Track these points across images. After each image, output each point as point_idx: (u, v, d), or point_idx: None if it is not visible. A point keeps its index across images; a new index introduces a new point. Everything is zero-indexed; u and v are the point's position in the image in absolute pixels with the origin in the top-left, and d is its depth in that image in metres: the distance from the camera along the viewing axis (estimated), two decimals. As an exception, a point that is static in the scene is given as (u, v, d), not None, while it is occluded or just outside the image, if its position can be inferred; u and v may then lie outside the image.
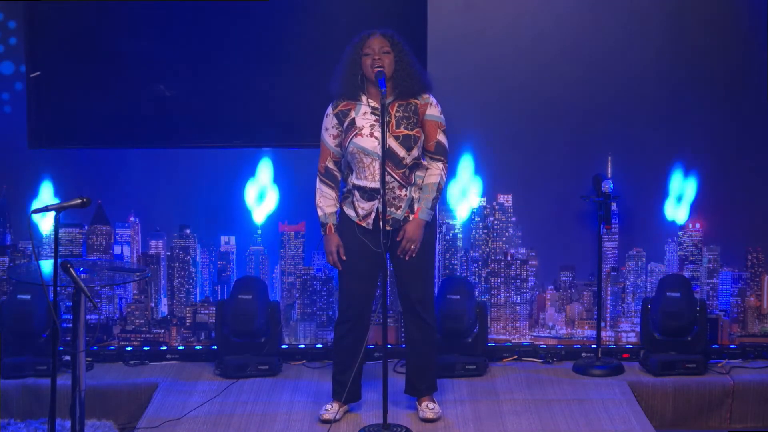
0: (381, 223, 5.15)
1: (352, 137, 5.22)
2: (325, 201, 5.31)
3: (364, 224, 5.25)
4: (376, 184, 5.20)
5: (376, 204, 5.22)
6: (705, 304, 6.20)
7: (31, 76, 6.18)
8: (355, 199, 5.27)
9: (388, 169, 5.14)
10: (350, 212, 5.29)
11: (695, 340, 6.10)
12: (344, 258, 5.30)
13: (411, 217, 5.25)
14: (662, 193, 6.39)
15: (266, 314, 6.10)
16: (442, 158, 5.28)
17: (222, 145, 6.31)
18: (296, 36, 6.19)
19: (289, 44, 6.19)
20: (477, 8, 6.32)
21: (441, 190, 5.28)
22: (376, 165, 5.19)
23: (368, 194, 5.23)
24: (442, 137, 5.28)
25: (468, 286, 6.22)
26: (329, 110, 5.32)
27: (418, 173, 5.27)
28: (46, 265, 4.87)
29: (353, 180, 5.26)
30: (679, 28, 6.32)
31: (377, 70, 5.15)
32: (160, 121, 6.24)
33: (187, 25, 6.16)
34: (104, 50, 6.17)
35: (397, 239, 5.21)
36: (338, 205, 5.34)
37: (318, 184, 5.33)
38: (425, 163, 5.29)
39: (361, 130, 5.22)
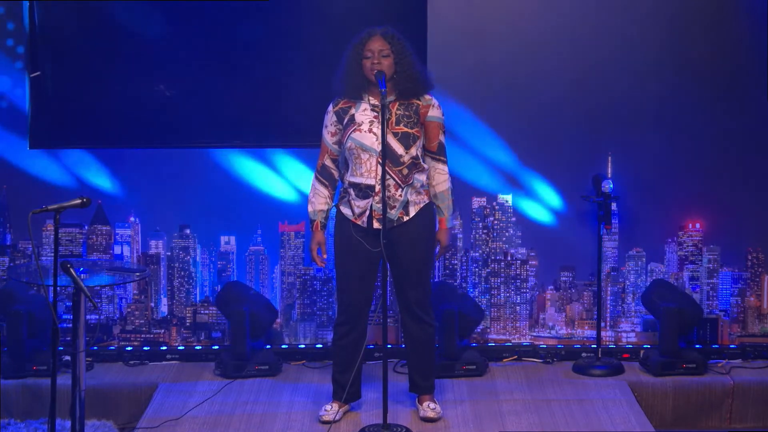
0: (382, 222, 5.14)
1: (351, 132, 5.23)
2: (317, 198, 5.33)
3: (359, 222, 5.25)
4: (371, 181, 5.20)
5: (370, 202, 5.22)
6: (681, 312, 6.10)
7: (31, 76, 6.18)
8: (350, 197, 5.27)
9: (385, 167, 5.14)
10: (346, 211, 5.29)
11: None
12: (325, 256, 5.35)
13: (404, 219, 5.23)
14: (662, 193, 6.40)
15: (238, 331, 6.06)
16: (444, 159, 5.30)
17: (222, 145, 6.31)
18: (296, 36, 6.19)
19: (289, 44, 6.19)
20: (477, 8, 6.32)
21: (452, 192, 5.35)
22: (373, 161, 5.19)
23: (363, 192, 5.23)
24: (443, 138, 5.31)
25: (438, 301, 6.03)
26: (330, 108, 5.33)
27: (416, 175, 5.26)
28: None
29: (349, 177, 5.26)
30: (680, 27, 6.32)
31: (377, 70, 5.16)
32: (159, 121, 6.25)
33: (187, 25, 6.17)
34: (104, 50, 6.18)
35: (437, 253, 5.38)
36: (330, 204, 5.34)
37: (313, 181, 5.35)
38: (426, 165, 5.29)
39: (360, 125, 5.23)
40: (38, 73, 6.18)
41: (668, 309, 6.05)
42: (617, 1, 6.32)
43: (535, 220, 6.41)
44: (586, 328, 6.40)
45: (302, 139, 6.11)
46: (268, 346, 6.17)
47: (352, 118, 5.25)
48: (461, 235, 6.42)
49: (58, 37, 6.17)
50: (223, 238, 6.41)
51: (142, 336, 6.34)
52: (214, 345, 6.28)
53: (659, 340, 6.08)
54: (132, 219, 6.38)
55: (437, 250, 5.37)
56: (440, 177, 5.30)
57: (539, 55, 6.33)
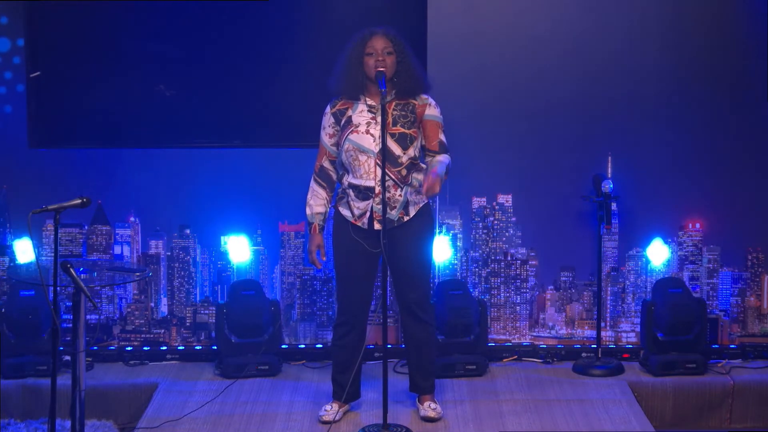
0: (381, 223, 5.14)
1: (348, 134, 5.22)
2: (316, 200, 5.32)
3: (359, 224, 5.25)
4: (371, 183, 5.19)
5: (370, 203, 5.22)
6: (704, 302, 6.21)
7: (31, 76, 6.18)
8: (350, 198, 5.27)
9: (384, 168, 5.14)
10: (345, 212, 5.29)
11: (697, 338, 6.10)
12: (324, 258, 5.34)
13: (405, 219, 5.23)
14: (662, 193, 6.41)
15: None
16: (447, 155, 5.25)
17: (222, 145, 6.31)
18: (296, 36, 6.20)
19: (288, 44, 6.19)
20: (477, 8, 6.33)
21: (449, 169, 5.17)
22: (371, 163, 5.18)
23: (363, 193, 5.23)
24: (443, 137, 5.28)
25: (466, 286, 6.25)
26: (327, 109, 5.32)
27: (414, 175, 5.26)
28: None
29: (348, 179, 5.26)
30: (679, 27, 6.33)
31: (378, 70, 5.15)
32: (160, 121, 6.24)
33: (187, 25, 6.17)
34: (104, 50, 6.18)
35: (423, 183, 5.08)
36: (328, 206, 5.34)
37: (311, 183, 5.34)
38: (425, 165, 5.28)
39: (357, 126, 5.22)
40: (38, 73, 6.17)
41: (643, 302, 6.17)
42: (617, 2, 6.32)
43: (535, 219, 6.42)
44: (586, 328, 6.40)
45: (302, 139, 6.10)
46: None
47: (350, 119, 5.25)
48: (461, 235, 6.42)
49: (58, 37, 6.16)
50: (223, 238, 6.41)
51: (142, 336, 6.34)
52: (214, 345, 6.27)
53: (701, 339, 6.14)
54: (132, 219, 6.38)
55: (427, 181, 5.04)
56: (442, 157, 5.19)
57: (539, 55, 6.33)
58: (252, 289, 6.18)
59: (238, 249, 6.34)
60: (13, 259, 6.25)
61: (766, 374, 6.05)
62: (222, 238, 6.39)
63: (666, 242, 6.40)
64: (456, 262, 6.41)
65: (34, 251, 4.65)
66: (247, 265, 6.39)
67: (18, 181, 6.29)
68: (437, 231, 6.30)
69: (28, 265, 5.96)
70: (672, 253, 6.42)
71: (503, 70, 6.34)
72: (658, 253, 6.38)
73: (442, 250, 6.34)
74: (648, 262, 6.41)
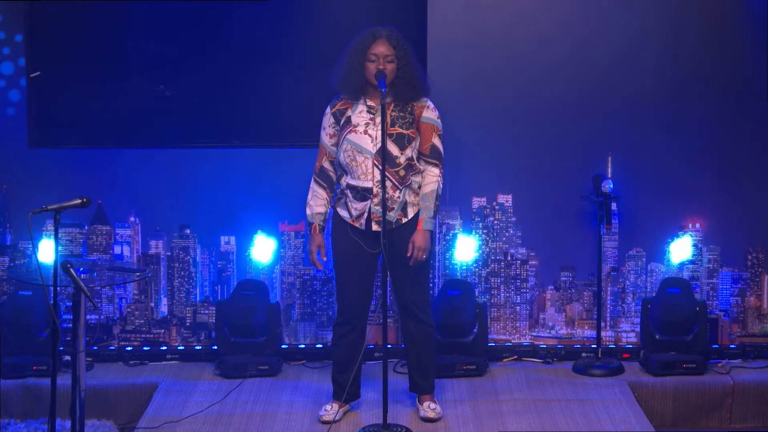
0: (381, 224, 5.13)
1: (347, 134, 5.22)
2: (316, 201, 5.32)
3: (357, 225, 5.25)
4: (368, 184, 5.19)
5: (368, 204, 5.22)
6: (705, 304, 6.21)
7: (31, 76, 6.18)
8: (348, 199, 5.27)
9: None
10: (344, 213, 5.29)
11: (695, 339, 6.11)
12: (324, 259, 5.32)
13: (403, 220, 5.25)
14: (662, 193, 6.41)
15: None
16: (437, 163, 5.27)
17: (222, 145, 6.31)
18: (296, 36, 6.20)
19: (289, 44, 6.19)
20: (477, 9, 6.32)
21: (439, 197, 5.28)
22: (369, 164, 5.18)
23: (360, 194, 5.23)
24: (437, 141, 5.26)
25: (468, 286, 6.23)
26: (327, 110, 5.33)
27: (413, 177, 5.26)
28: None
29: (347, 180, 5.26)
30: (680, 28, 6.33)
31: (377, 71, 5.14)
32: (160, 121, 6.24)
33: (187, 25, 6.17)
34: (104, 50, 6.18)
35: (408, 255, 5.20)
36: (328, 206, 5.34)
37: (311, 183, 5.34)
38: (420, 166, 5.28)
39: (356, 127, 5.22)
40: (38, 73, 6.17)
41: (643, 302, 6.21)
42: (618, 2, 6.32)
43: (535, 219, 6.41)
44: (586, 328, 6.41)
45: (302, 139, 6.10)
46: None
47: (348, 119, 5.25)
48: (461, 235, 6.42)
49: (57, 37, 6.16)
50: (223, 238, 6.41)
51: (142, 336, 6.34)
52: (214, 345, 6.27)
53: (700, 340, 6.14)
54: (132, 219, 6.38)
55: (412, 252, 5.19)
56: (429, 179, 5.26)
57: (539, 55, 6.33)
58: (252, 289, 6.18)
59: (263, 249, 6.33)
60: (13, 259, 6.26)
61: (766, 374, 6.05)
62: (221, 237, 6.39)
63: (672, 242, 6.40)
64: (456, 262, 6.42)
65: (56, 252, 4.64)
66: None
67: (18, 181, 6.29)
68: (437, 231, 6.30)
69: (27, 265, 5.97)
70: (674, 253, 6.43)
71: (503, 71, 6.34)
72: (679, 251, 6.36)
73: (467, 250, 6.35)
74: (648, 262, 6.41)
